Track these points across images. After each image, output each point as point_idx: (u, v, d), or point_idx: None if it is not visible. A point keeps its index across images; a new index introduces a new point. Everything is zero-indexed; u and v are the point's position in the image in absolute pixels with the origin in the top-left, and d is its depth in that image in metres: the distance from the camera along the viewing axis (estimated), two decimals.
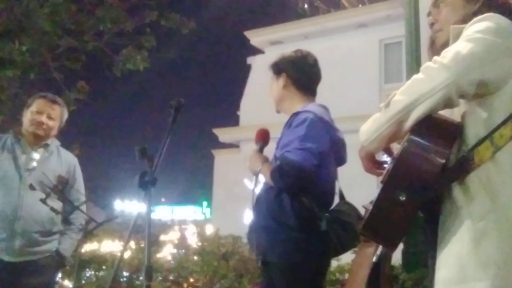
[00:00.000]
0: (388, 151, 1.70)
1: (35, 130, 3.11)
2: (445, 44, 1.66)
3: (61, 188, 2.94)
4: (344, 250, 2.45)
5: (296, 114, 2.51)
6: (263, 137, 2.60)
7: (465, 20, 1.59)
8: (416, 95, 1.43)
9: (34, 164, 3.09)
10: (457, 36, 1.55)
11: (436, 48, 1.72)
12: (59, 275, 4.65)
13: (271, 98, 2.74)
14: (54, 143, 3.25)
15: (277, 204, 2.42)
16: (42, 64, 8.14)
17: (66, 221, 3.09)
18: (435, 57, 1.48)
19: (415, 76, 1.49)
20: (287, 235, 2.38)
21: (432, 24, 1.73)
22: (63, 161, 3.21)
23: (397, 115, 1.47)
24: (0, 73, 7.42)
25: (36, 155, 3.12)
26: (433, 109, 1.44)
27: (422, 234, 1.71)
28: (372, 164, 1.67)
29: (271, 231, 2.41)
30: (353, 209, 2.48)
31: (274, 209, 2.43)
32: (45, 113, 3.13)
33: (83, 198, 3.19)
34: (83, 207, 3.00)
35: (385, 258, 3.30)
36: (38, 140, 3.15)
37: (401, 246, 3.79)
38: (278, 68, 2.68)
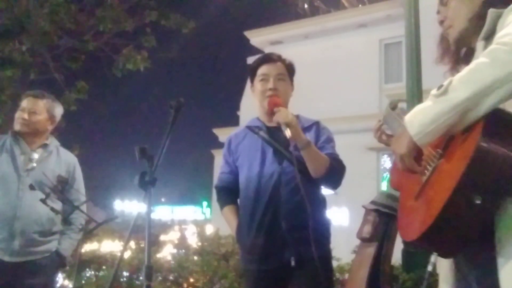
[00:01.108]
0: None
1: (19, 128, 3.13)
2: (458, 40, 1.64)
3: (61, 188, 2.94)
4: None
5: (317, 123, 2.58)
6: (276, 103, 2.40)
7: (476, 13, 1.57)
8: (487, 81, 1.28)
9: (34, 164, 3.09)
10: (495, 19, 1.48)
11: (447, 45, 1.70)
12: (59, 275, 4.65)
13: (282, 94, 2.50)
14: (53, 143, 3.24)
15: (321, 198, 2.52)
16: (42, 64, 8.16)
17: (66, 221, 3.09)
18: (502, 40, 1.33)
19: (478, 61, 1.33)
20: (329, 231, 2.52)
21: (442, 22, 1.70)
22: (62, 161, 3.21)
23: (463, 103, 1.30)
24: (0, 73, 7.43)
25: (35, 155, 3.12)
26: (509, 97, 1.30)
27: None
28: (414, 160, 1.49)
29: (324, 227, 2.49)
30: None
31: (322, 205, 2.52)
32: (27, 109, 3.14)
33: (83, 198, 3.18)
34: (83, 207, 3.00)
35: (385, 258, 3.31)
36: (32, 137, 3.15)
37: (401, 246, 3.79)
38: (293, 74, 2.63)
